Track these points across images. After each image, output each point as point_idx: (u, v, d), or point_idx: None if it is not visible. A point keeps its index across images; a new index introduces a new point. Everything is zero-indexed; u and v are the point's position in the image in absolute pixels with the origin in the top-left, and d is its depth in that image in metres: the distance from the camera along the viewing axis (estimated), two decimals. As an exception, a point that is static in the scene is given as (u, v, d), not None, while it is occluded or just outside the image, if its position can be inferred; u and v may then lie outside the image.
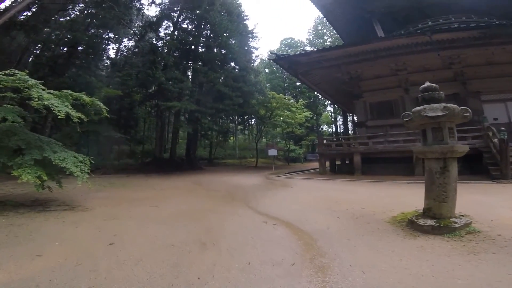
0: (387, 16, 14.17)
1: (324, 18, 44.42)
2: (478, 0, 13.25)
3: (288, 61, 12.91)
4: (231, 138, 32.10)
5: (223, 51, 18.00)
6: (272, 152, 17.66)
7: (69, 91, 5.62)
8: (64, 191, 6.35)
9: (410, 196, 6.42)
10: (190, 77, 18.44)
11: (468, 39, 10.61)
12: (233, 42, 17.40)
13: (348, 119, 44.89)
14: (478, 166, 10.18)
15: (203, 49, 18.55)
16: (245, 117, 25.71)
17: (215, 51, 18.22)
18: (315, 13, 79.12)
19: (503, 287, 2.08)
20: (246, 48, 20.26)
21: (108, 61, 22.17)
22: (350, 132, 42.92)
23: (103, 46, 20.38)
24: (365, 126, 14.18)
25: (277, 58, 12.84)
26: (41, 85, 4.70)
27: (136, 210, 5.24)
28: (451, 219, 3.44)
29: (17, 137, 4.29)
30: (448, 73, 12.34)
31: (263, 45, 38.83)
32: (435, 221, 3.38)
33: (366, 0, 13.84)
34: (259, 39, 20.18)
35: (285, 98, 22.59)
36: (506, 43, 10.48)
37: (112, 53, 23.14)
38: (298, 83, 37.83)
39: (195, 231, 3.71)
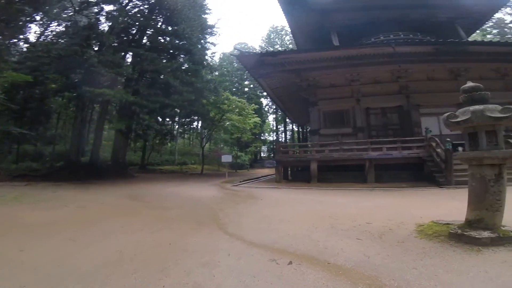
0: (344, 29, 14.71)
1: (278, 27, 46.46)
2: (423, 22, 14.99)
3: (253, 59, 11.78)
4: (170, 141, 28.68)
5: (177, 41, 15.52)
6: (226, 158, 16.04)
7: None
8: None
9: (396, 206, 6.02)
10: (129, 62, 15.20)
11: (417, 54, 11.55)
12: (190, 32, 15.23)
13: (288, 128, 47.05)
14: (419, 174, 11.01)
15: (153, 35, 15.70)
16: (191, 118, 23.20)
17: (167, 39, 15.61)
18: (270, 22, 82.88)
19: None
20: (203, 41, 18.23)
21: (25, 46, 16.70)
22: (288, 140, 44.81)
23: (24, 28, 15.11)
24: (318, 134, 14.13)
25: (241, 55, 11.58)
26: None
27: (34, 251, 2.98)
28: (503, 228, 3.01)
29: None
30: (395, 86, 13.34)
31: (216, 47, 38.04)
32: (490, 232, 2.94)
33: (330, 11, 14.05)
34: (219, 35, 18.32)
35: (238, 101, 21.25)
36: (447, 61, 11.89)
37: (33, 38, 17.58)
38: (246, 89, 37.35)
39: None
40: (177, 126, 32.27)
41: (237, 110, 21.19)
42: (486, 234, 2.85)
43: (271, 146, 46.69)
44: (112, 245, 3.32)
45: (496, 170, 2.92)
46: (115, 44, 14.29)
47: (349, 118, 13.99)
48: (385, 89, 13.50)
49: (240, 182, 13.92)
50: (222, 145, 35.36)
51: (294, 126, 43.88)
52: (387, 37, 14.31)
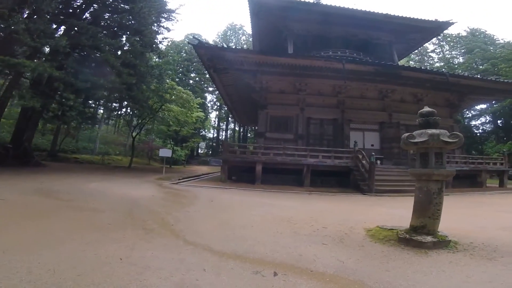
0: (299, 39, 15.60)
1: (237, 26, 45.45)
2: (367, 43, 17.18)
3: (211, 52, 11.13)
4: (92, 127, 24.50)
5: (125, 21, 13.13)
6: (165, 152, 14.64)
7: None
8: None
9: (338, 210, 6.61)
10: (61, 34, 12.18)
11: (358, 72, 12.95)
12: (148, 12, 13.16)
13: (229, 127, 47.00)
14: (345, 181, 12.58)
15: (100, 10, 12.97)
16: (121, 103, 20.37)
17: (115, 16, 13.07)
18: (229, 19, 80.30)
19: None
20: (157, 24, 16.05)
21: None
22: (228, 139, 44.78)
23: None
24: (264, 137, 14.51)
25: (200, 45, 10.75)
26: None
27: None
28: (439, 234, 3.57)
29: None
30: (334, 100, 14.84)
31: (170, 33, 34.26)
32: (432, 237, 3.46)
33: (290, 19, 14.61)
34: (177, 21, 16.27)
35: (184, 93, 19.72)
36: (379, 82, 13.78)
37: None
38: (191, 81, 35.24)
39: None
40: (102, 110, 27.87)
41: (181, 101, 19.73)
42: (429, 238, 3.36)
43: (211, 143, 45.58)
44: (36, 263, 2.47)
45: (439, 185, 3.50)
46: (50, 15, 11.45)
47: (292, 125, 14.81)
48: (326, 101, 14.90)
49: (180, 180, 13.01)
50: (154, 137, 32.43)
51: (236, 126, 44.03)
52: (335, 53, 15.88)
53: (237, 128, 44.50)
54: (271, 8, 14.07)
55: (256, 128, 18.11)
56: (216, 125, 46.00)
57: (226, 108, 39.92)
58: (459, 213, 6.46)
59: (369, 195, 10.11)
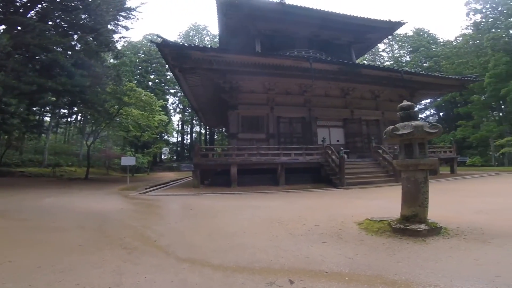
0: (266, 39, 15.62)
1: (200, 26, 43.55)
2: (328, 43, 18.00)
3: (177, 51, 10.42)
4: (39, 136, 21.44)
5: (76, 19, 11.47)
6: (128, 161, 13.38)
7: None
8: None
9: (322, 206, 6.71)
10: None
11: (322, 71, 13.38)
12: (106, 9, 11.67)
13: (195, 130, 45.45)
14: (318, 176, 12.99)
15: (49, 9, 11.13)
16: (71, 109, 18.21)
17: (63, 15, 11.36)
18: (192, 19, 76.36)
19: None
20: (114, 23, 14.38)
21: None
22: (194, 142, 43.25)
23: None
24: (237, 138, 14.26)
25: (164, 44, 9.97)
26: None
27: None
28: (429, 221, 3.70)
29: None
30: (301, 99, 15.21)
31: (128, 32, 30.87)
32: (425, 225, 3.56)
33: (257, 18, 14.48)
34: (137, 19, 14.81)
35: (145, 95, 18.27)
36: (342, 80, 14.46)
37: None
38: (151, 83, 33.03)
39: None
40: (49, 117, 24.70)
41: (142, 104, 18.31)
42: (423, 226, 3.48)
43: (175, 148, 43.47)
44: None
45: (425, 174, 3.67)
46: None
47: (263, 124, 14.79)
48: (294, 100, 15.21)
49: (147, 189, 12.05)
50: (111, 145, 29.83)
51: (202, 129, 42.68)
52: (300, 53, 16.32)
53: (203, 131, 43.23)
54: (240, 7, 13.87)
55: (225, 129, 17.71)
56: (180, 128, 44.06)
57: (190, 111, 38.52)
58: (430, 200, 7.02)
59: (341, 188, 10.51)
